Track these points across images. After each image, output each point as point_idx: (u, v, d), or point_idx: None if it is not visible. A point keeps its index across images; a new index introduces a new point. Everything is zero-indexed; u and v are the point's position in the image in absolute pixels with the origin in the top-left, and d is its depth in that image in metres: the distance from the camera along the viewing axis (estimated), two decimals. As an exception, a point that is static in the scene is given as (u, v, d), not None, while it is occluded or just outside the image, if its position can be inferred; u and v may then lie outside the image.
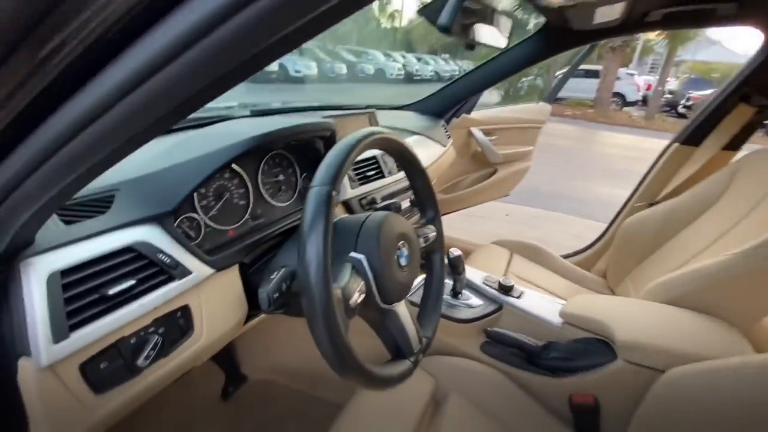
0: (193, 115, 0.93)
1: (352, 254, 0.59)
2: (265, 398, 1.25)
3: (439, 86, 1.74)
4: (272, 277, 0.60)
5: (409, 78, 14.41)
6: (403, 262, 0.64)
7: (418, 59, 15.92)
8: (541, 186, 4.16)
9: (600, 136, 8.85)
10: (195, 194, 0.69)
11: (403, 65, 14.53)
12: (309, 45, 12.18)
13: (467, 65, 15.20)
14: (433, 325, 0.74)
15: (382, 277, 0.59)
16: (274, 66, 9.37)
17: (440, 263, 0.80)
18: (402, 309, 0.65)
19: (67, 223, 0.53)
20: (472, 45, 0.87)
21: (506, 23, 0.92)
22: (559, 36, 1.30)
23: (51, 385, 0.47)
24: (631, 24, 1.18)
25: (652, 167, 1.59)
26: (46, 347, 0.45)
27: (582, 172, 5.30)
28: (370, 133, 0.61)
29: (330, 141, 0.91)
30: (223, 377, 1.26)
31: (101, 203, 0.58)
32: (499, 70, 1.54)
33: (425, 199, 0.79)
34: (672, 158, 1.52)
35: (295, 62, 10.45)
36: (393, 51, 15.26)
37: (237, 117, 1.05)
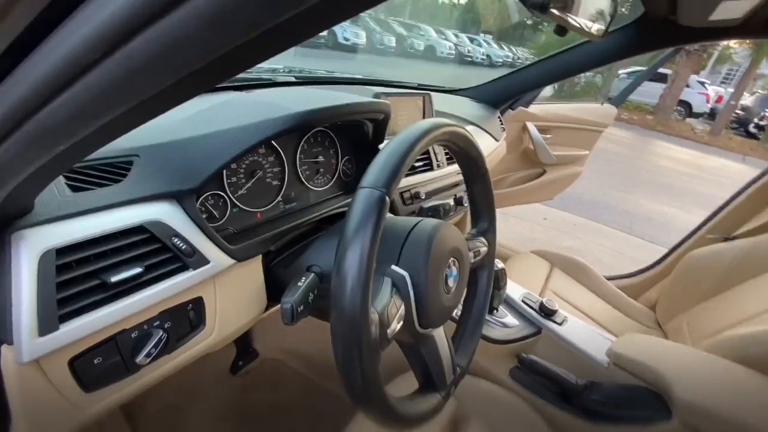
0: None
1: (395, 268, 0.50)
2: (275, 379, 1.21)
3: (490, 71, 1.57)
4: (299, 284, 0.53)
5: (460, 59, 13.81)
6: (450, 282, 0.55)
7: (471, 40, 15.18)
8: (584, 193, 3.91)
9: (656, 146, 8.24)
10: (224, 170, 0.61)
11: (455, 45, 13.91)
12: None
13: (521, 53, 14.39)
14: (469, 353, 0.66)
15: (426, 299, 0.50)
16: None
17: (487, 283, 0.70)
18: (440, 334, 0.58)
19: (75, 189, 0.46)
20: (563, 30, 0.73)
21: (608, 8, 0.77)
22: (657, 30, 1.10)
23: (33, 380, 0.41)
24: (752, 26, 0.98)
25: (734, 197, 1.39)
26: (29, 341, 0.38)
27: (631, 184, 4.95)
28: (435, 126, 0.51)
29: (381, 125, 0.80)
30: (233, 350, 1.23)
31: (116, 170, 0.50)
32: (573, 63, 1.35)
33: (482, 206, 0.69)
34: (762, 190, 1.32)
35: (344, 29, 10.19)
36: (446, 29, 14.60)
37: (280, 82, 0.97)
